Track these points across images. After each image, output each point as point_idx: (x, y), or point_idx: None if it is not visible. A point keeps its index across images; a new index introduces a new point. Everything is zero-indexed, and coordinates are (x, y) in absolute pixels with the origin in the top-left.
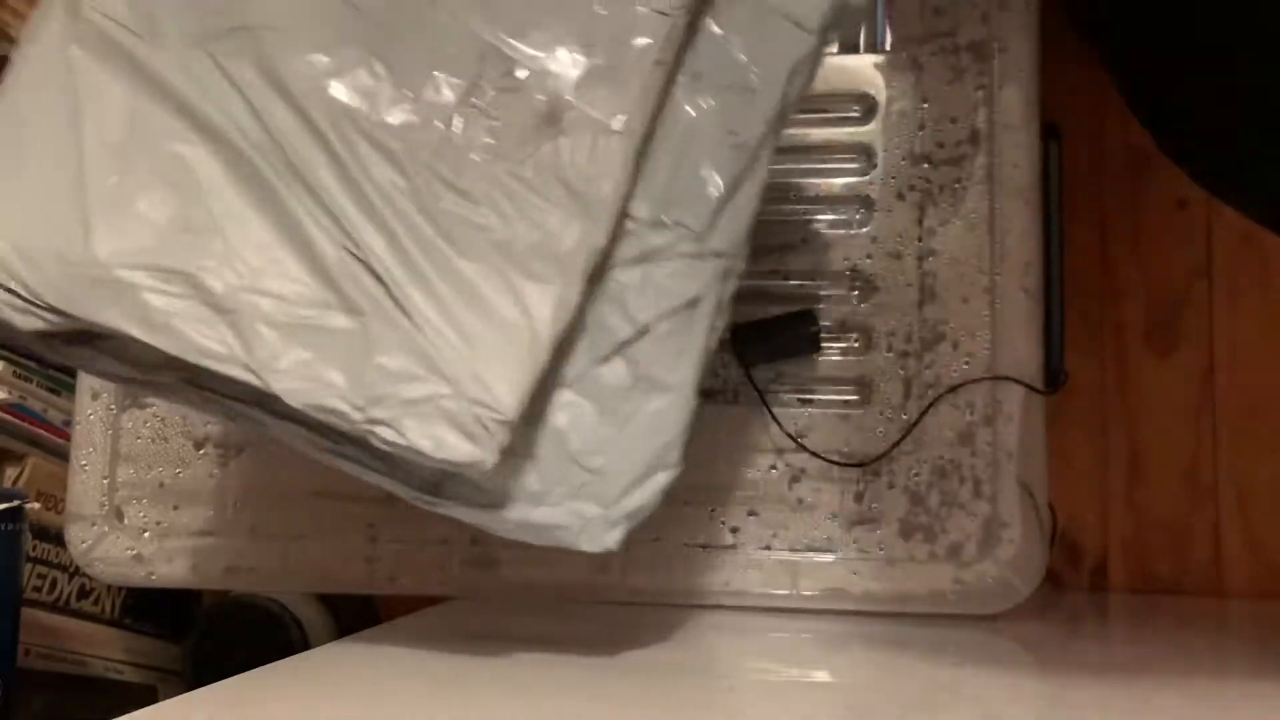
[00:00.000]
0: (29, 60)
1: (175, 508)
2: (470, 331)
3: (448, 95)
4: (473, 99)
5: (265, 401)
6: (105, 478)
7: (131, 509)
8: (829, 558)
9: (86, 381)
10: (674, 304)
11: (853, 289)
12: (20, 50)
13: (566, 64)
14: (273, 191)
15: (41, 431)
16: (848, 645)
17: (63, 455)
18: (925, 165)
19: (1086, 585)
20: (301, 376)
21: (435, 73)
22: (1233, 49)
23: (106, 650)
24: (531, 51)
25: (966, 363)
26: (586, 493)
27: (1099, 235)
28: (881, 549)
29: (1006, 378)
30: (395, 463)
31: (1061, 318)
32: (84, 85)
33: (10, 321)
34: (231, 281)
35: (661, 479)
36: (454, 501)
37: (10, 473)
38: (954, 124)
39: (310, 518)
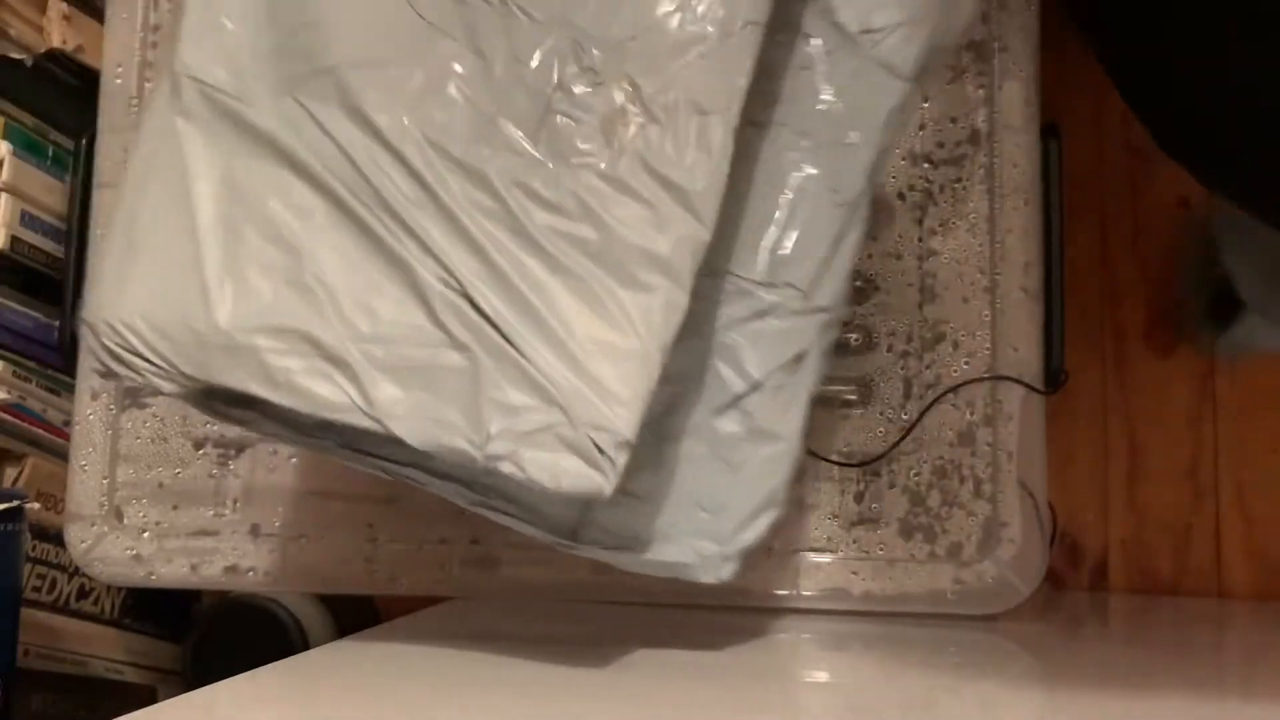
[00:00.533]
0: (142, 141)
1: (175, 508)
2: (578, 355)
3: (532, 103)
4: (556, 103)
5: (420, 459)
6: (105, 478)
7: (131, 509)
8: (829, 558)
9: (86, 381)
10: (783, 359)
11: (853, 289)
12: (138, 131)
13: (651, 45)
14: (372, 233)
15: (41, 431)
16: (848, 645)
17: (63, 455)
18: (925, 165)
19: (1086, 585)
20: (422, 419)
21: (517, 82)
22: (1234, 43)
23: (106, 650)
24: (613, 36)
25: (966, 363)
26: (705, 532)
27: (1099, 235)
28: (881, 549)
29: (1006, 378)
30: (538, 511)
31: (1061, 317)
32: (191, 157)
33: (159, 387)
34: (342, 332)
35: (769, 517)
36: (591, 545)
37: (10, 473)
38: (954, 124)
39: (310, 518)
